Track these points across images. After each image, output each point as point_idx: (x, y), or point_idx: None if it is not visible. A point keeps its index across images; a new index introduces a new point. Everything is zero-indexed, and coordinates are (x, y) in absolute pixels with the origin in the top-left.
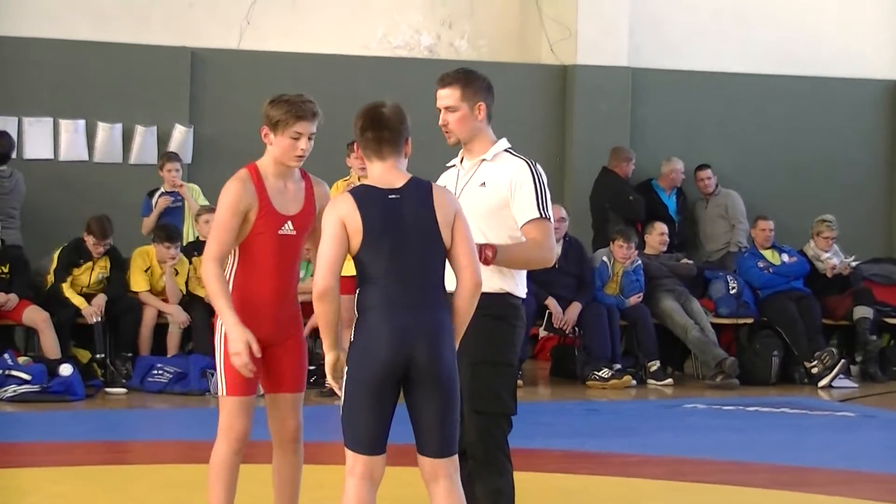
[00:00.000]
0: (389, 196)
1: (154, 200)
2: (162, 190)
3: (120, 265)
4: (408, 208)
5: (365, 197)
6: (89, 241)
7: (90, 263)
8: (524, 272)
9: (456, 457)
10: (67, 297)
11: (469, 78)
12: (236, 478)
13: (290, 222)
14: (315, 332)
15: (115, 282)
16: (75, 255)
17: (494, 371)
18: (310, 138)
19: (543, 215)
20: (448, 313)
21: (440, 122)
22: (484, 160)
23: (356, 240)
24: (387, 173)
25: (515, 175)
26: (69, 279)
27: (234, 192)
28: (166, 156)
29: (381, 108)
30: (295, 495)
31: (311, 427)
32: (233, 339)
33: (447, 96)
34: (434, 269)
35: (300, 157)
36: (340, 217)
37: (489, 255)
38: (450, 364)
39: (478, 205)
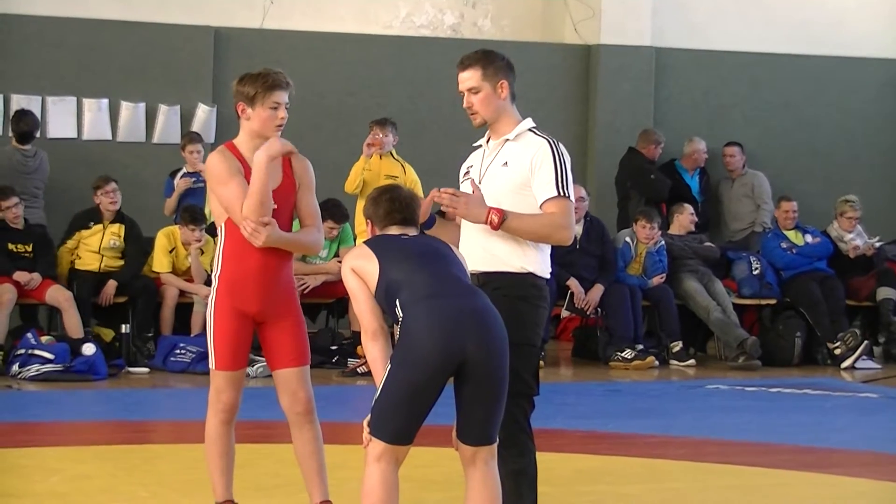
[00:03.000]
0: (402, 237)
1: (176, 181)
2: (184, 170)
3: (135, 239)
4: (418, 239)
5: (378, 238)
6: (98, 197)
7: (100, 226)
8: (547, 252)
9: (495, 444)
10: (71, 261)
11: (489, 58)
12: (231, 447)
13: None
14: (338, 311)
15: (132, 259)
16: (85, 219)
17: (516, 351)
18: (286, 107)
19: (562, 193)
20: (486, 297)
21: (465, 105)
22: (507, 140)
23: (373, 271)
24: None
25: (536, 153)
26: (76, 242)
27: (218, 159)
28: (188, 136)
29: (402, 191)
30: (321, 467)
31: (333, 407)
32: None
33: (469, 78)
34: (453, 263)
35: (279, 125)
36: (351, 266)
37: (495, 218)
38: (504, 357)
39: (501, 184)
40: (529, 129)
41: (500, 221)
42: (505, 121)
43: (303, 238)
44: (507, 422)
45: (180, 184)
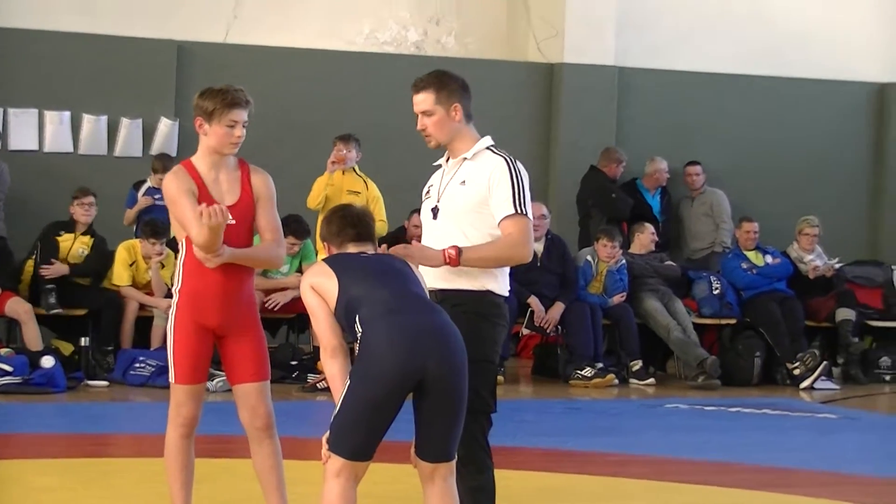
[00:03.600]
0: (361, 254)
1: (140, 194)
2: (148, 184)
3: (101, 251)
4: (377, 257)
5: (337, 256)
6: (74, 207)
7: (71, 235)
8: (506, 270)
9: (454, 461)
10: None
11: (442, 80)
12: (190, 461)
13: (228, 212)
14: (298, 326)
15: (92, 260)
16: (57, 228)
17: (475, 369)
18: (244, 125)
19: (520, 211)
20: (446, 314)
21: (419, 127)
22: (465, 159)
23: (332, 288)
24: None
25: (493, 172)
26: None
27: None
28: (161, 162)
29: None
30: (280, 482)
31: (293, 422)
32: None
33: (422, 101)
34: (412, 280)
35: (236, 143)
36: (310, 284)
37: (452, 254)
38: (463, 374)
39: (458, 203)
40: (487, 148)
41: (458, 257)
42: (462, 140)
43: (260, 253)
44: (466, 439)
45: (142, 201)
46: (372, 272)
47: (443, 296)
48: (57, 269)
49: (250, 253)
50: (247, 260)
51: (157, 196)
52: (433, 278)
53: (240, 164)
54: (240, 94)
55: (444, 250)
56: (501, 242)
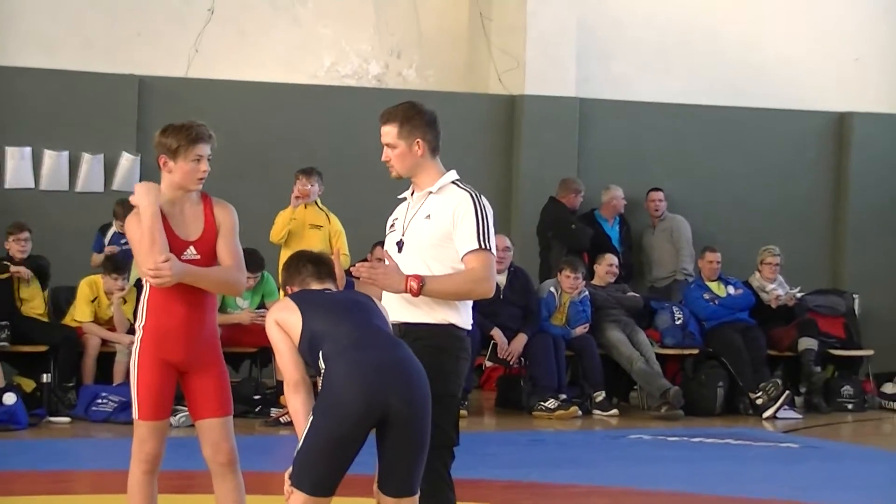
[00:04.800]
0: (324, 291)
1: (106, 240)
2: (113, 230)
3: (44, 278)
4: (340, 293)
5: (301, 292)
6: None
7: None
8: (469, 303)
9: (417, 496)
10: None
11: (407, 114)
12: (153, 498)
13: (192, 247)
14: (261, 360)
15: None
16: None
17: (437, 402)
18: (208, 160)
19: (483, 246)
20: (409, 349)
21: (383, 158)
22: (430, 192)
23: (296, 323)
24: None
25: (458, 206)
26: None
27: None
28: (121, 205)
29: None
30: None
31: (256, 456)
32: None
33: (386, 133)
34: (375, 315)
35: (202, 178)
36: (274, 319)
37: (414, 286)
38: (426, 409)
39: (423, 237)
40: (452, 182)
41: (419, 288)
42: (426, 174)
43: (217, 274)
44: (428, 473)
45: (107, 250)
46: (335, 307)
47: (405, 329)
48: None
49: (207, 272)
50: (203, 280)
51: (122, 241)
52: (396, 311)
53: (202, 198)
54: (202, 129)
55: (406, 278)
56: (464, 276)
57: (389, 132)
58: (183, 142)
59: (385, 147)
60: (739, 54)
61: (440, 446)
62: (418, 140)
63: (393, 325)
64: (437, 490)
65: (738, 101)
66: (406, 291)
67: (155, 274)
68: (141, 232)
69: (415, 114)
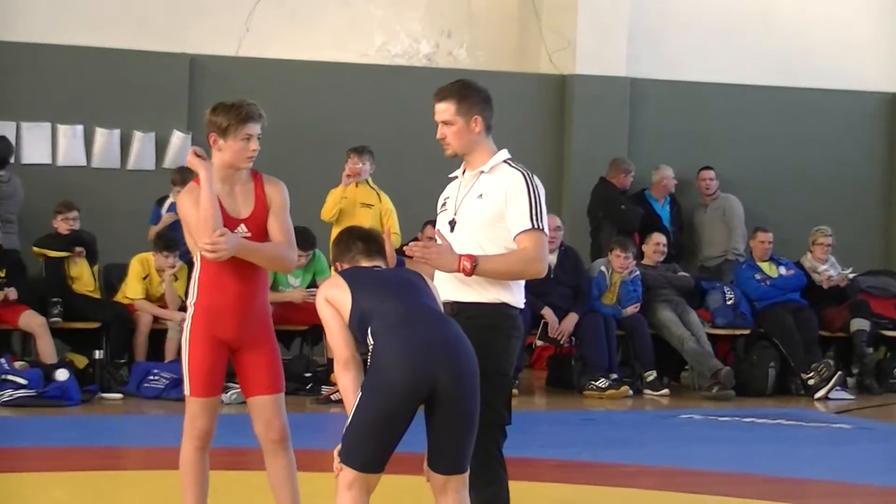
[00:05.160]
0: (374, 268)
1: (163, 210)
2: (170, 200)
3: (90, 252)
4: (390, 270)
5: (351, 269)
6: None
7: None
8: (522, 283)
9: (467, 474)
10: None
11: (465, 91)
12: (205, 474)
13: (243, 225)
14: (312, 338)
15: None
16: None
17: (488, 381)
18: (258, 139)
19: (536, 226)
20: (458, 326)
21: (438, 136)
22: (482, 172)
23: (345, 300)
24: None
25: (511, 186)
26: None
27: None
28: (179, 172)
29: (360, 227)
30: (294, 494)
31: (307, 434)
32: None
33: (443, 110)
34: (424, 293)
35: (251, 157)
36: (325, 296)
37: (467, 265)
38: (474, 386)
39: (475, 216)
40: (504, 161)
41: (472, 268)
42: (479, 153)
43: (270, 249)
44: (479, 451)
45: (165, 217)
46: (384, 285)
47: (458, 308)
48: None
49: (259, 247)
50: (256, 255)
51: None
52: (448, 290)
53: (253, 176)
54: (253, 108)
55: (459, 257)
56: (516, 256)
57: (447, 109)
58: (233, 121)
59: (441, 125)
60: (791, 34)
61: (491, 424)
62: (476, 117)
63: (445, 304)
64: (487, 468)
65: (789, 81)
66: (459, 271)
67: (212, 248)
68: (191, 203)
69: (472, 91)
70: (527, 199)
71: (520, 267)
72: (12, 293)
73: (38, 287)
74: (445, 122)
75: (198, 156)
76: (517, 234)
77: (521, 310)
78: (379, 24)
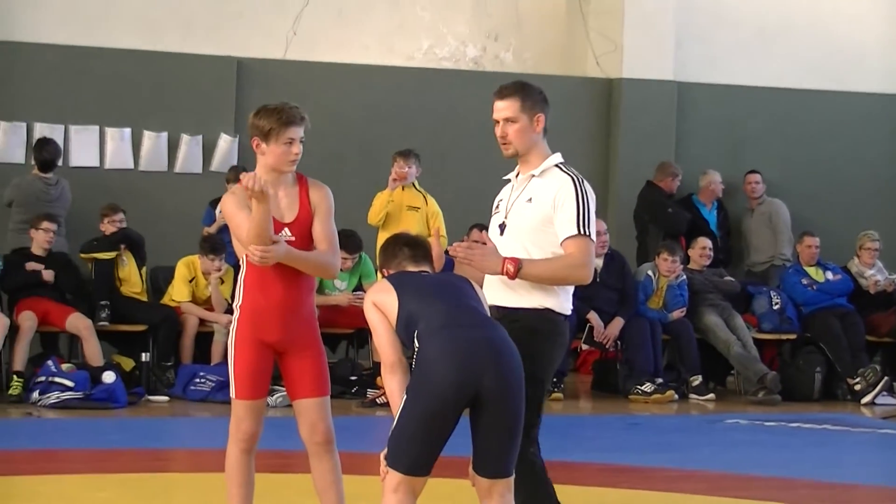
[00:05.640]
0: (420, 273)
1: (217, 212)
2: None
3: (137, 250)
4: (437, 275)
5: (398, 274)
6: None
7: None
8: (569, 289)
9: (512, 478)
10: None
11: (527, 90)
12: (250, 477)
13: (286, 229)
14: (357, 341)
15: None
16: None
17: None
18: (301, 142)
19: (582, 232)
20: (503, 329)
21: (498, 134)
22: (533, 175)
23: (392, 304)
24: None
25: (560, 191)
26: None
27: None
28: (233, 171)
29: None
30: (340, 497)
31: (353, 437)
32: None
33: (506, 108)
34: (469, 295)
35: (294, 161)
36: (372, 300)
37: (510, 268)
38: (519, 389)
39: (524, 220)
40: (556, 165)
41: (516, 271)
42: (536, 154)
43: (314, 257)
44: (521, 454)
45: (219, 217)
46: (430, 288)
47: (502, 312)
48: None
49: (304, 255)
50: (302, 262)
51: None
52: (495, 294)
53: (298, 180)
54: (295, 112)
55: (503, 260)
56: (561, 262)
57: (510, 106)
58: (275, 124)
59: (502, 122)
60: (840, 37)
61: (530, 426)
62: (539, 115)
63: (491, 308)
64: (529, 469)
65: (839, 85)
66: (503, 273)
67: (261, 256)
68: (236, 204)
69: (533, 90)
70: (574, 205)
71: (564, 273)
72: (48, 274)
73: (85, 290)
74: (508, 120)
75: (247, 187)
76: (564, 240)
77: (566, 316)
78: (426, 27)
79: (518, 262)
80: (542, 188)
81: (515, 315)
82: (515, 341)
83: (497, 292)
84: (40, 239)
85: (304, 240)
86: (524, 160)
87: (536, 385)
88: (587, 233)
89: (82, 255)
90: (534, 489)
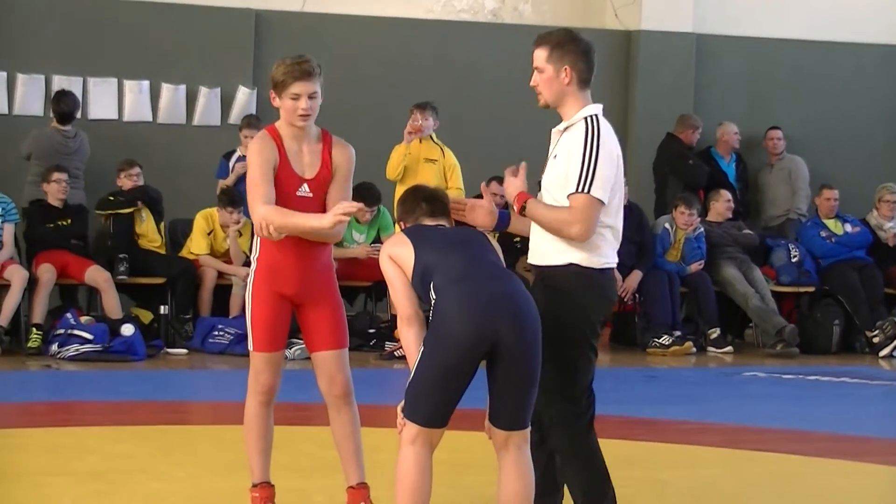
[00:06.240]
0: (437, 226)
1: (231, 164)
2: (238, 153)
3: (155, 207)
4: (453, 229)
5: (414, 227)
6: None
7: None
8: (599, 242)
9: (528, 429)
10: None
11: (561, 40)
12: (269, 429)
13: (306, 184)
14: (376, 294)
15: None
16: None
17: (548, 345)
18: (311, 97)
19: (581, 189)
20: (520, 282)
21: (531, 83)
22: (562, 131)
23: (408, 257)
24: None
25: (573, 146)
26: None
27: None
28: (247, 119)
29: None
30: (358, 449)
31: (371, 389)
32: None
33: (536, 57)
34: (487, 249)
35: (302, 116)
36: (388, 254)
37: (516, 206)
38: (536, 341)
39: (551, 178)
40: (584, 118)
41: (521, 207)
42: (570, 107)
43: (316, 223)
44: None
45: (237, 168)
46: (447, 241)
47: (536, 271)
48: None
49: (308, 225)
50: (299, 230)
51: None
52: (529, 255)
53: (322, 137)
54: (303, 66)
55: (517, 196)
56: (555, 214)
57: (539, 55)
58: (283, 77)
59: (534, 71)
60: None
61: (566, 386)
62: (567, 67)
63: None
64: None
65: (859, 37)
66: (494, 229)
67: (260, 226)
68: (258, 152)
69: (569, 40)
70: (580, 160)
71: (555, 226)
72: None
73: (104, 243)
74: (537, 69)
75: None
76: (568, 195)
77: (601, 269)
78: None
79: (525, 199)
80: (565, 143)
81: (544, 273)
82: (546, 302)
83: (530, 252)
84: (54, 191)
85: (320, 198)
86: (562, 112)
87: (566, 345)
88: (586, 190)
89: (98, 212)
90: (587, 461)
